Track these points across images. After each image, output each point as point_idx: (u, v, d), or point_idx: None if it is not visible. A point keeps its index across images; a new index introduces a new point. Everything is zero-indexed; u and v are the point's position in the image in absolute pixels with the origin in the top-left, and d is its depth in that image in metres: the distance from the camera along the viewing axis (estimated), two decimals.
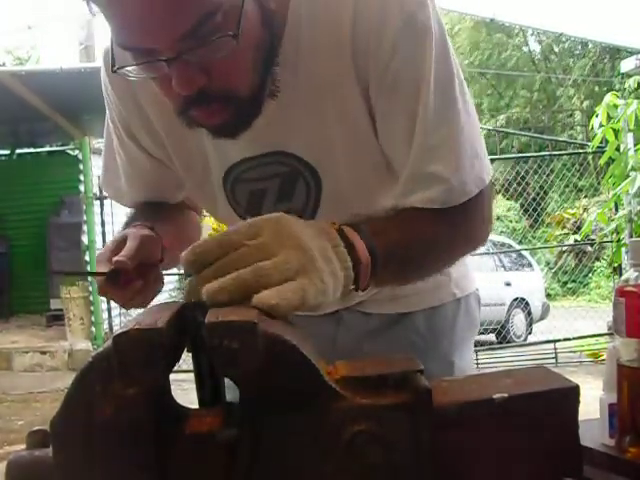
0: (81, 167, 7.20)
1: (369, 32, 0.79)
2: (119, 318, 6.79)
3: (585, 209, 11.83)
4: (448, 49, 0.82)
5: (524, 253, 9.42)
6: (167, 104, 0.84)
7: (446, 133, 0.81)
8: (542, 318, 8.79)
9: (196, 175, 0.98)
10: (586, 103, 16.07)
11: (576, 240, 10.14)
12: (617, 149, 5.03)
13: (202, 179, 0.98)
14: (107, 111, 1.01)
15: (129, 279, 0.82)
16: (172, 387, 0.57)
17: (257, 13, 0.74)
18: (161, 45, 0.69)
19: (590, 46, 15.66)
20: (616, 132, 4.96)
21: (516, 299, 8.38)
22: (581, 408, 0.57)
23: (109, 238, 6.35)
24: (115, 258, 0.80)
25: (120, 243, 0.84)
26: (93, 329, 6.78)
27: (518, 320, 8.37)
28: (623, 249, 5.48)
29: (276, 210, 0.68)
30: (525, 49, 19.01)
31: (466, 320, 1.09)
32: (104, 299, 6.71)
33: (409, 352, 1.02)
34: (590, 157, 9.01)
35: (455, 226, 0.83)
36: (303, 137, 0.88)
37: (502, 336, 7.97)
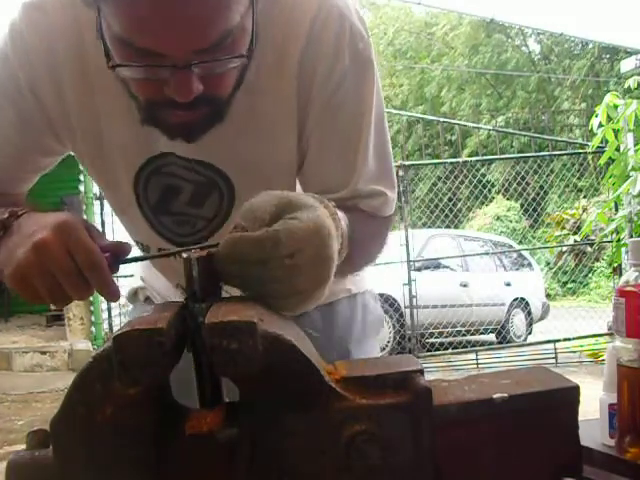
0: (81, 167, 7.17)
1: (318, 61, 0.84)
2: (119, 318, 6.78)
3: (585, 209, 11.82)
4: (379, 81, 0.91)
5: (524, 253, 9.42)
6: (88, 86, 0.85)
7: (383, 158, 0.92)
8: (542, 318, 8.79)
9: (102, 161, 0.95)
10: (585, 104, 16.06)
11: (576, 240, 10.15)
12: (617, 149, 5.03)
13: (108, 166, 0.95)
14: None
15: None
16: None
17: (252, 31, 0.74)
18: (175, 53, 0.68)
19: (590, 46, 15.66)
20: (616, 132, 4.96)
21: (516, 299, 8.38)
22: (581, 408, 0.57)
23: (109, 238, 6.32)
24: (114, 243, 0.76)
25: (88, 231, 0.74)
26: (93, 329, 6.78)
27: (518, 320, 8.37)
28: (623, 249, 5.48)
29: (184, 212, 0.88)
30: (525, 49, 19.02)
31: (364, 315, 1.15)
32: (104, 299, 6.68)
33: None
34: (590, 157, 9.00)
35: (382, 230, 0.97)
36: (231, 152, 0.90)
37: (502, 336, 7.98)
